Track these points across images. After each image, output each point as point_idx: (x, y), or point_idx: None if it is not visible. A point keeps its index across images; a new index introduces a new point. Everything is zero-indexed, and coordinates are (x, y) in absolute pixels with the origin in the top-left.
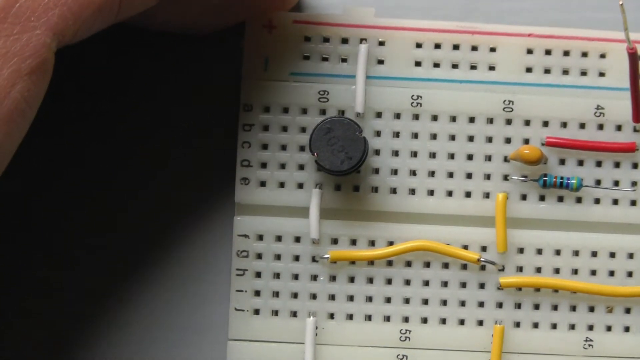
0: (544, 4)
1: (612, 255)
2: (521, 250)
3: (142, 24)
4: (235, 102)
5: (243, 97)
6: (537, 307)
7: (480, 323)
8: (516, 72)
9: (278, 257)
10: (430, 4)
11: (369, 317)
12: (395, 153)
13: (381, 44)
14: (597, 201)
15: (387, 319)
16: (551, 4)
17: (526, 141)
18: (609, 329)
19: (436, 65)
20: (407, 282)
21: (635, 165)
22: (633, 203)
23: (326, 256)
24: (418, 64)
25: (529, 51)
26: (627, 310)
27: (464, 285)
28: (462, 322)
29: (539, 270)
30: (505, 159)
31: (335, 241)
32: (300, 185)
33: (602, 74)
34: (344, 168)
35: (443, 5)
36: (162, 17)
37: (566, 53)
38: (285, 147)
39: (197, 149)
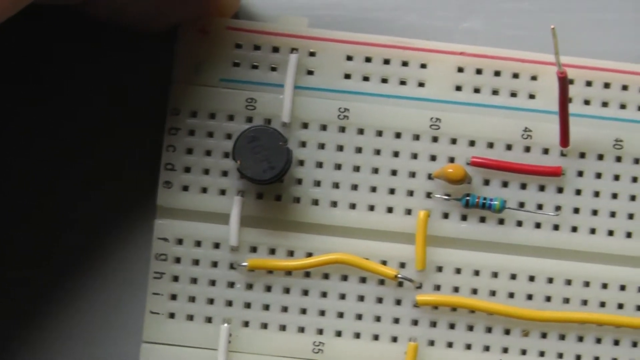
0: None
1: (532, 279)
2: (440, 269)
3: (85, 12)
4: (164, 105)
5: (171, 101)
6: (452, 326)
7: (395, 339)
8: (446, 89)
9: (196, 262)
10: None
11: (283, 327)
12: (320, 164)
13: (312, 54)
14: (519, 224)
15: (302, 330)
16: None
17: (451, 160)
18: (523, 352)
19: (366, 78)
20: (324, 295)
21: (560, 190)
22: (556, 227)
23: (244, 264)
24: (348, 76)
25: (460, 69)
26: (544, 335)
27: (380, 300)
28: (376, 337)
29: (456, 289)
30: (430, 177)
31: (254, 249)
32: (223, 192)
33: (532, 96)
34: (266, 177)
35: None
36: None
37: (497, 73)
38: (210, 153)
39: (121, 149)
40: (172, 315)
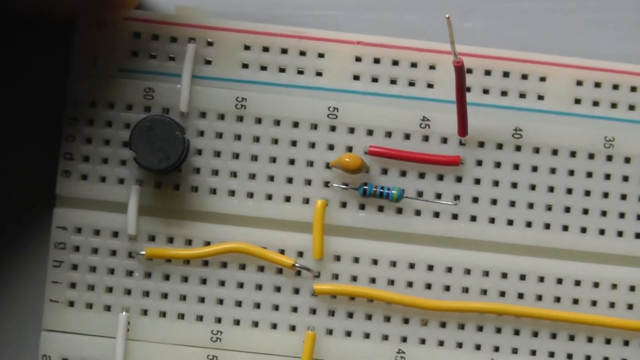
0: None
1: (430, 268)
2: (338, 258)
3: None
4: (63, 95)
5: (70, 91)
6: (351, 315)
7: (293, 328)
8: (343, 79)
9: (95, 250)
10: None
11: (181, 316)
12: (217, 154)
13: (210, 44)
14: (418, 213)
15: (200, 318)
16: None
17: (349, 149)
18: (422, 342)
19: (263, 68)
20: (222, 284)
21: (459, 179)
22: (454, 217)
23: (142, 252)
24: (245, 66)
25: (358, 59)
26: (443, 325)
27: (278, 289)
28: (274, 326)
29: (354, 279)
30: (328, 166)
31: (152, 238)
32: (121, 181)
33: (430, 86)
34: (162, 167)
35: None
36: None
37: (395, 63)
38: (109, 143)
39: (21, 138)
40: (71, 304)
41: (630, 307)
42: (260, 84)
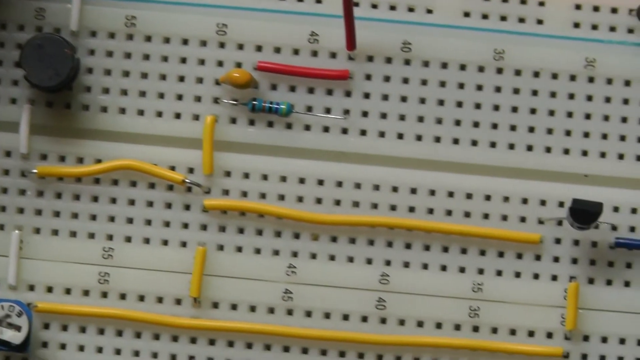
0: None
1: (321, 182)
2: (228, 174)
3: None
4: None
5: None
6: (241, 231)
7: (184, 244)
8: None
9: None
10: None
11: (74, 234)
12: (108, 72)
13: None
14: (307, 128)
15: (92, 236)
16: None
17: (239, 65)
18: (313, 256)
19: None
20: (113, 201)
21: (348, 94)
22: (344, 131)
23: (34, 171)
24: None
25: None
26: (334, 239)
27: (169, 206)
28: (165, 242)
29: (245, 194)
30: (217, 82)
31: (44, 157)
32: (13, 101)
33: (318, 1)
34: (52, 84)
35: None
36: None
37: None
38: (2, 63)
39: None
40: None
41: (523, 219)
42: (149, 1)
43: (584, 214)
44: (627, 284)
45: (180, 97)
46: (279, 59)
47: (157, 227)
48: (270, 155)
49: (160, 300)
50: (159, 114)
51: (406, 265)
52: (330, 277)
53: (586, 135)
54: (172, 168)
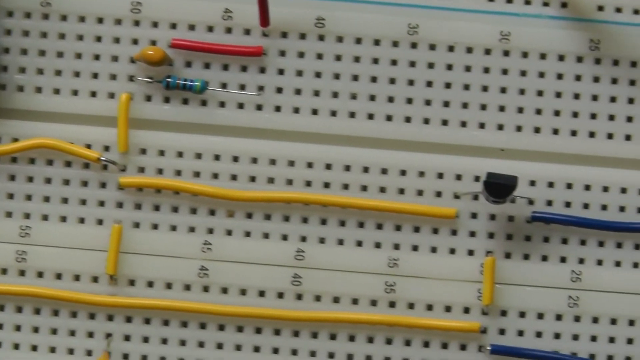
0: None
1: (235, 159)
2: (144, 152)
3: None
4: None
5: None
6: (157, 208)
7: (100, 222)
8: None
9: None
10: None
11: None
12: (24, 52)
13: None
14: (222, 104)
15: (9, 215)
16: None
17: (153, 43)
18: (229, 233)
19: None
20: (30, 179)
21: (262, 70)
22: (259, 107)
23: None
24: None
25: None
26: (249, 215)
27: (85, 184)
28: (82, 220)
29: (160, 171)
30: (132, 60)
31: None
32: None
33: None
34: None
35: None
36: None
37: None
38: None
39: None
40: None
41: (439, 194)
42: None
43: (499, 187)
44: (544, 258)
45: (95, 76)
46: (193, 36)
47: (73, 205)
48: (185, 132)
49: (77, 278)
50: (75, 93)
51: (322, 241)
52: (246, 254)
53: (502, 109)
54: (88, 146)
